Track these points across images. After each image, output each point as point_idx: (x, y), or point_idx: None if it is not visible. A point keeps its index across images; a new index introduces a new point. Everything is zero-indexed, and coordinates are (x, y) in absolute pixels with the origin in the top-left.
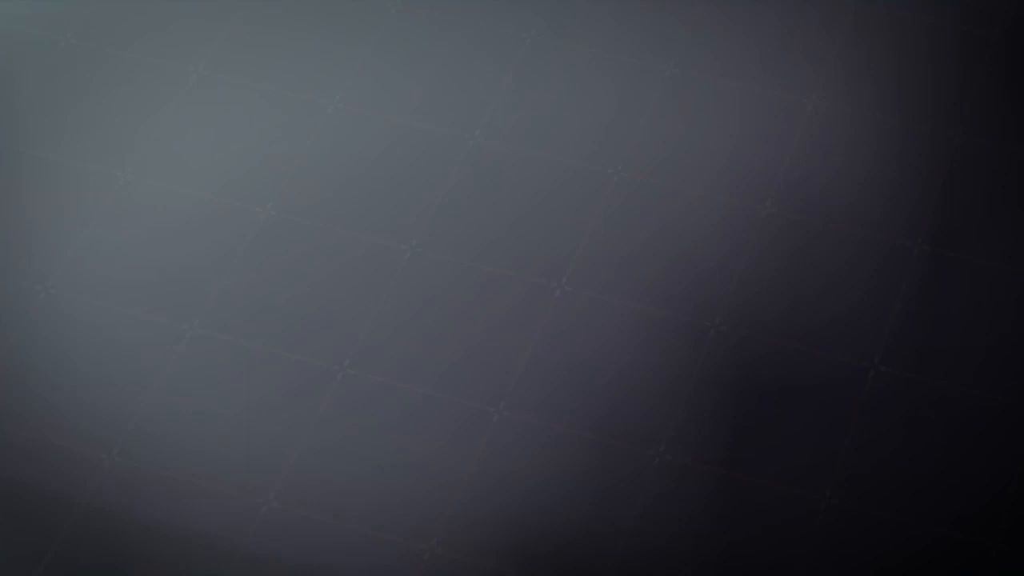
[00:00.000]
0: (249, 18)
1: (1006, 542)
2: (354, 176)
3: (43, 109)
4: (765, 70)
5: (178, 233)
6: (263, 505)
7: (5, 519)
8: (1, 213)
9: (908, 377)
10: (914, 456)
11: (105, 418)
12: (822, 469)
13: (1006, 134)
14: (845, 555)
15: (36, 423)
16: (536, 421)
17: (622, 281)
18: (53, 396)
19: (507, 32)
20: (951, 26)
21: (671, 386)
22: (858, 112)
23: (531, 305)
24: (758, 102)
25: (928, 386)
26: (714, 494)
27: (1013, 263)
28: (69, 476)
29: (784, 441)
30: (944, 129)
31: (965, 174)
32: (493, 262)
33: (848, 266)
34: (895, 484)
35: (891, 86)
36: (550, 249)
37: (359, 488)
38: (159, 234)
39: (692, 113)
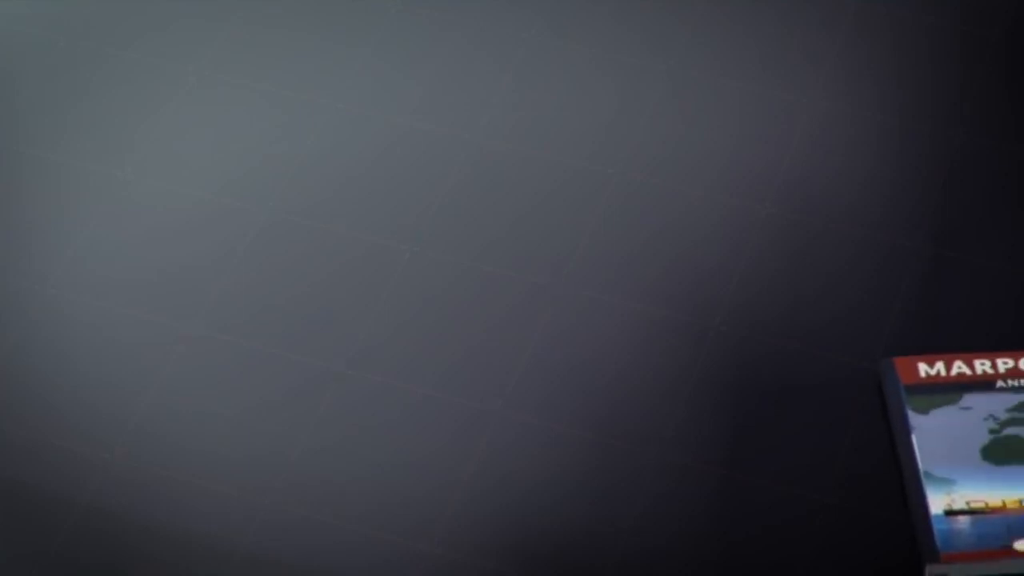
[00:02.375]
0: (249, 18)
1: None
2: (354, 176)
3: (43, 109)
4: (765, 70)
5: (178, 233)
6: (263, 505)
7: (5, 519)
8: (1, 213)
9: None
10: None
11: (105, 418)
12: (822, 469)
13: (1006, 134)
14: (845, 555)
15: (36, 423)
16: (536, 421)
17: (622, 281)
18: (53, 396)
19: (507, 32)
20: (951, 26)
21: (671, 386)
22: (858, 112)
23: (531, 305)
24: (758, 102)
25: None
26: (714, 494)
27: (1013, 263)
28: (69, 476)
29: (784, 441)
30: (944, 129)
31: (965, 174)
32: (493, 262)
33: (848, 266)
34: (895, 484)
35: (891, 86)
36: (550, 249)
37: (359, 488)
38: (159, 234)
39: (692, 113)
